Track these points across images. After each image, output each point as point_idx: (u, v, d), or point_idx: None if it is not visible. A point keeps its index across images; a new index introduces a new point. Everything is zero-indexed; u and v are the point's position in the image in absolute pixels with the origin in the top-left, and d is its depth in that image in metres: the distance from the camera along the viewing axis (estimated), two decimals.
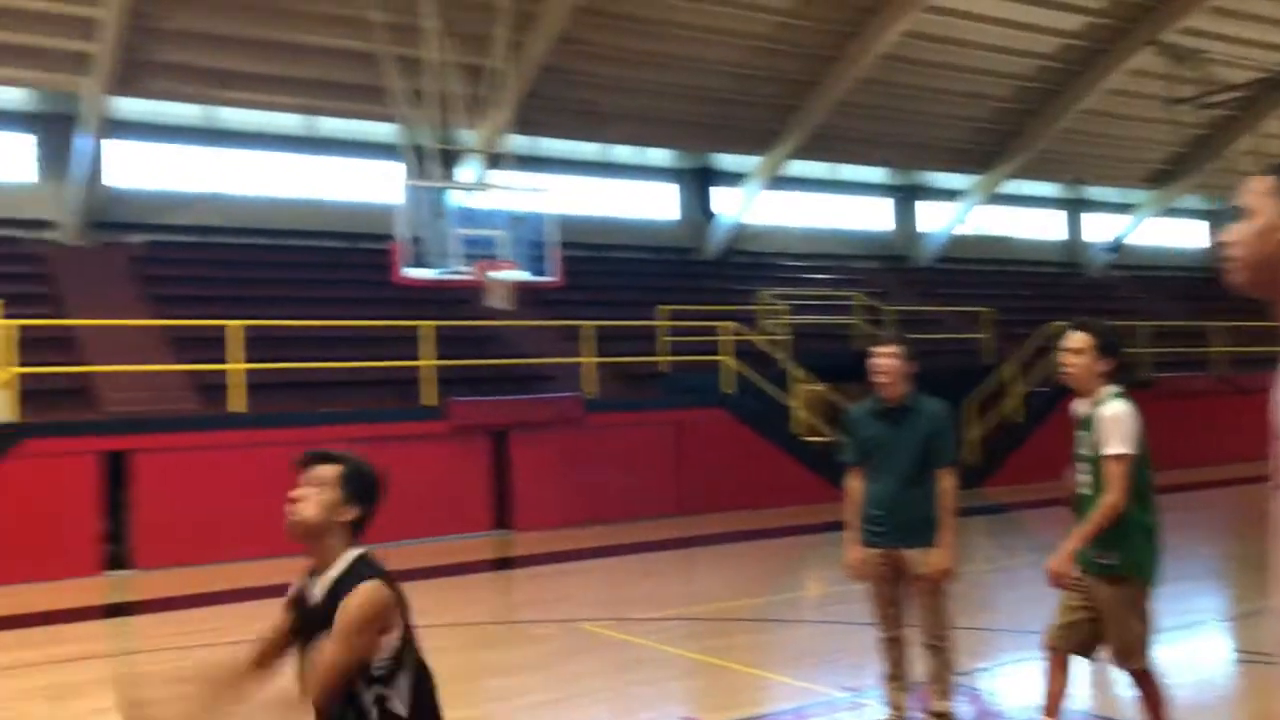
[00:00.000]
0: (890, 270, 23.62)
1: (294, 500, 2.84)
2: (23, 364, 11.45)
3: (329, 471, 2.87)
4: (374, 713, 2.74)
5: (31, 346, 11.94)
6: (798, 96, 20.02)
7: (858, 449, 5.35)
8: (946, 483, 5.14)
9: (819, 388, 16.12)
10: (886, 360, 5.28)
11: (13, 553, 10.62)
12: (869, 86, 20.13)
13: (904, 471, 5.17)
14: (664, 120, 19.51)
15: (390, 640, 2.76)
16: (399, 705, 2.77)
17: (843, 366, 17.35)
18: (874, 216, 24.41)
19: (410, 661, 2.82)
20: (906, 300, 21.22)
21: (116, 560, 11.40)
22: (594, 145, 19.94)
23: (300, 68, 16.24)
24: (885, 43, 19.11)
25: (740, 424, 15.15)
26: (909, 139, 22.04)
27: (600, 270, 19.35)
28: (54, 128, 16.10)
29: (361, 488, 2.88)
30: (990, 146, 22.94)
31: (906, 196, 24.65)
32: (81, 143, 15.56)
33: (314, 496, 2.84)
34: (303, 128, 17.67)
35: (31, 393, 11.73)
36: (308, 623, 2.83)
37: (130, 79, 15.15)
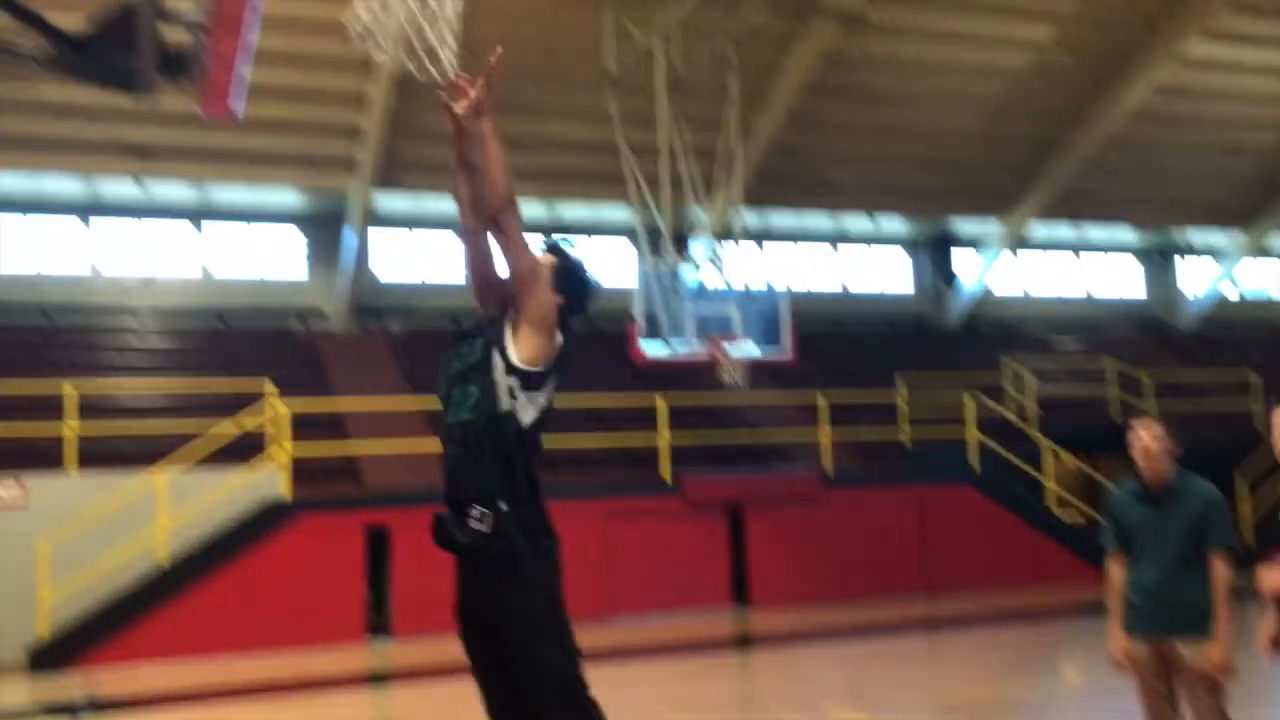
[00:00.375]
0: (1146, 335, 22.30)
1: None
2: (296, 445, 12.36)
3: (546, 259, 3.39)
4: (504, 400, 3.18)
5: (304, 428, 12.88)
6: (1039, 158, 19.39)
7: (1119, 534, 5.03)
8: (1220, 569, 4.75)
9: (1072, 461, 15.31)
10: (1147, 440, 4.96)
11: (286, 619, 11.38)
12: (1116, 145, 19.28)
13: (1171, 557, 4.81)
14: (898, 188, 19.30)
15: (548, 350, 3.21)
16: (523, 416, 3.21)
17: (1098, 438, 16.46)
18: (1125, 279, 23.18)
19: (547, 408, 3.27)
20: (1165, 367, 19.93)
21: (378, 627, 12.04)
22: (826, 216, 19.91)
23: (542, 158, 17.05)
24: (1133, 99, 18.30)
25: (989, 500, 14.54)
26: (1161, 197, 20.90)
27: (835, 343, 19.16)
28: (323, 225, 17.51)
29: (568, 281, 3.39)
30: (1252, 200, 21.43)
31: (1161, 257, 23.30)
32: (348, 237, 16.83)
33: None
34: (544, 214, 18.48)
35: (303, 471, 12.63)
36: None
37: (391, 176, 16.32)
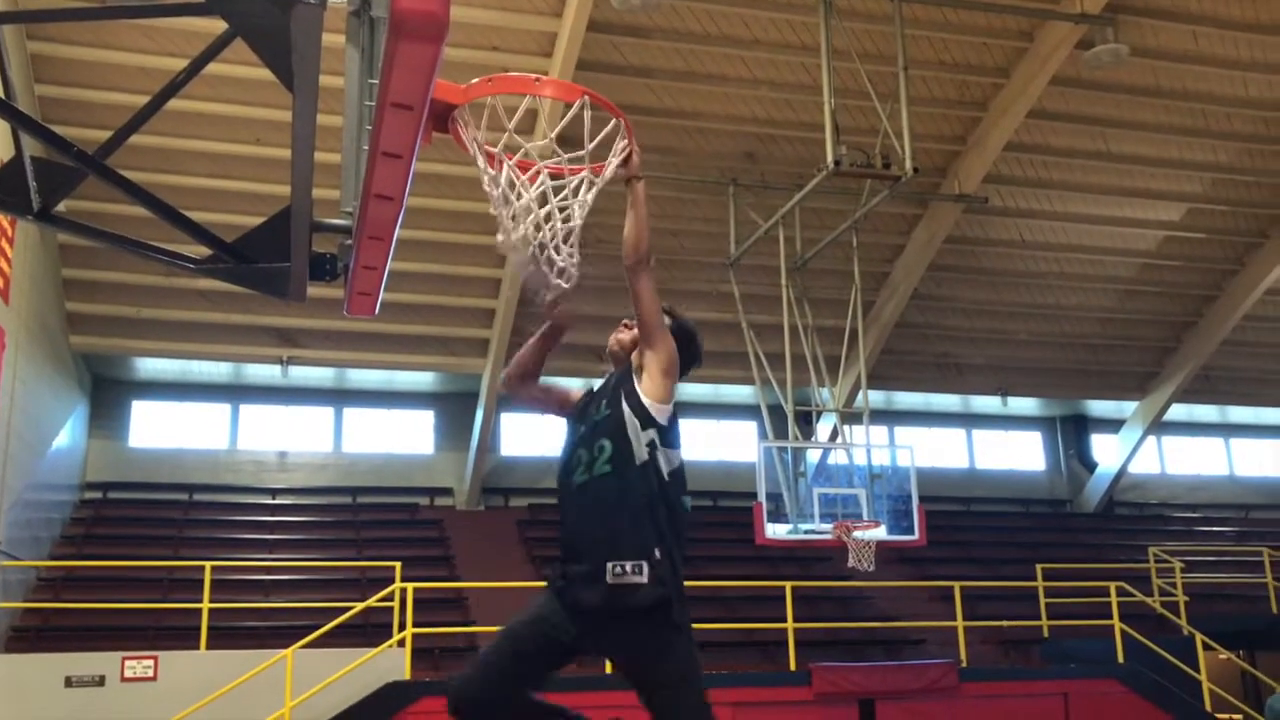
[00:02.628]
0: None
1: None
2: (418, 622, 12.36)
3: None
4: (641, 451, 3.34)
5: (427, 606, 12.91)
6: (1176, 338, 18.91)
7: None
8: None
9: (1230, 657, 14.30)
10: None
11: None
12: (1256, 324, 18.72)
13: None
14: (1028, 369, 18.97)
15: (672, 393, 3.45)
16: (663, 466, 3.36)
17: (1257, 632, 15.39)
18: (1274, 461, 22.07)
19: (682, 463, 3.46)
20: None
21: None
22: (953, 396, 19.62)
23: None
24: (1270, 278, 17.83)
25: (1139, 697, 13.59)
26: None
27: (966, 525, 18.59)
28: (452, 404, 17.96)
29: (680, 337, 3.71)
30: None
31: None
32: (478, 417, 17.21)
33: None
34: None
35: (424, 651, 12.59)
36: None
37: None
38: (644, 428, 3.43)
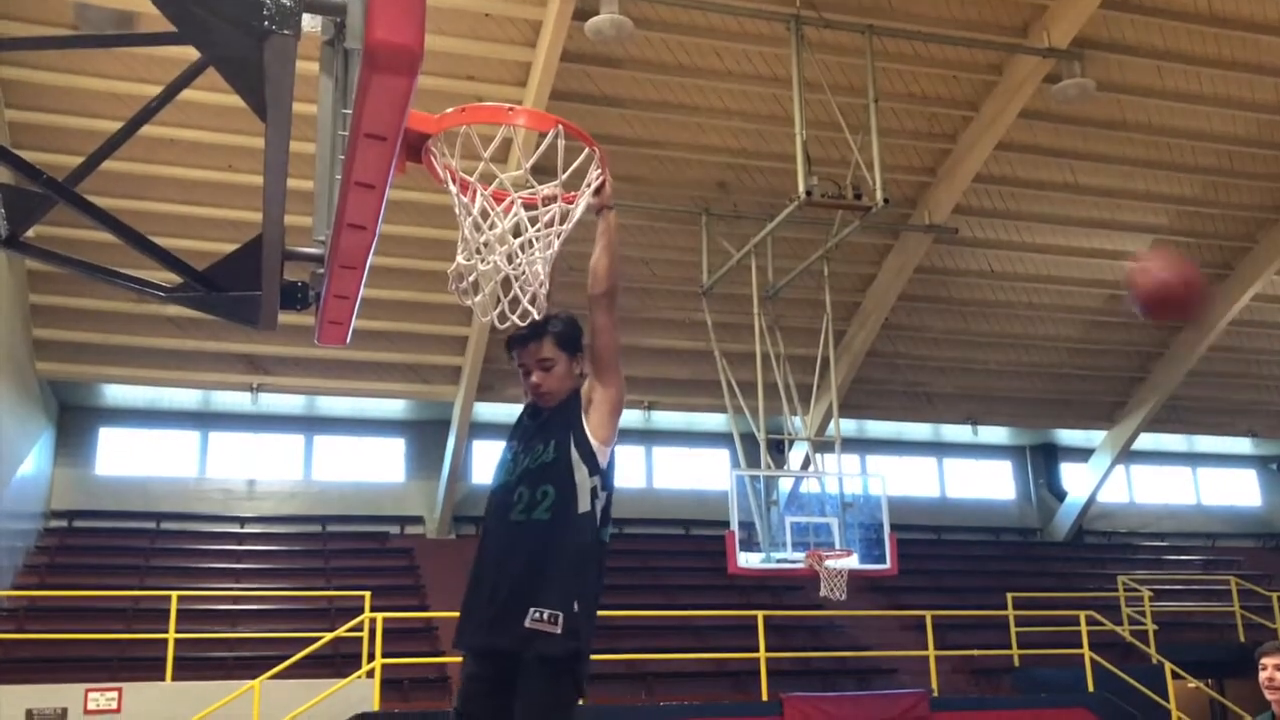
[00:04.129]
0: (1267, 550, 21.25)
1: None
2: (388, 653, 12.24)
3: None
4: (584, 500, 3.31)
5: (396, 636, 12.79)
6: (1143, 368, 19.12)
7: None
8: None
9: (1197, 685, 14.38)
10: (1276, 674, 4.64)
11: None
12: (1221, 354, 18.95)
13: None
14: (998, 398, 19.11)
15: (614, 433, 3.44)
16: (599, 516, 3.36)
17: (1225, 661, 15.49)
18: (1240, 490, 22.30)
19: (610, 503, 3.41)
20: None
21: None
22: (924, 425, 19.72)
23: (639, 368, 17.33)
24: (1234, 309, 18.07)
25: None
26: (1274, 406, 20.31)
27: (937, 554, 18.65)
28: (423, 432, 17.87)
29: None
30: None
31: (1278, 467, 22.43)
32: (449, 445, 17.13)
33: None
34: (640, 421, 18.64)
35: (393, 681, 12.46)
36: None
37: (492, 386, 16.71)
38: (590, 474, 3.39)
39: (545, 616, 3.21)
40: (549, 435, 3.47)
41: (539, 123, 3.23)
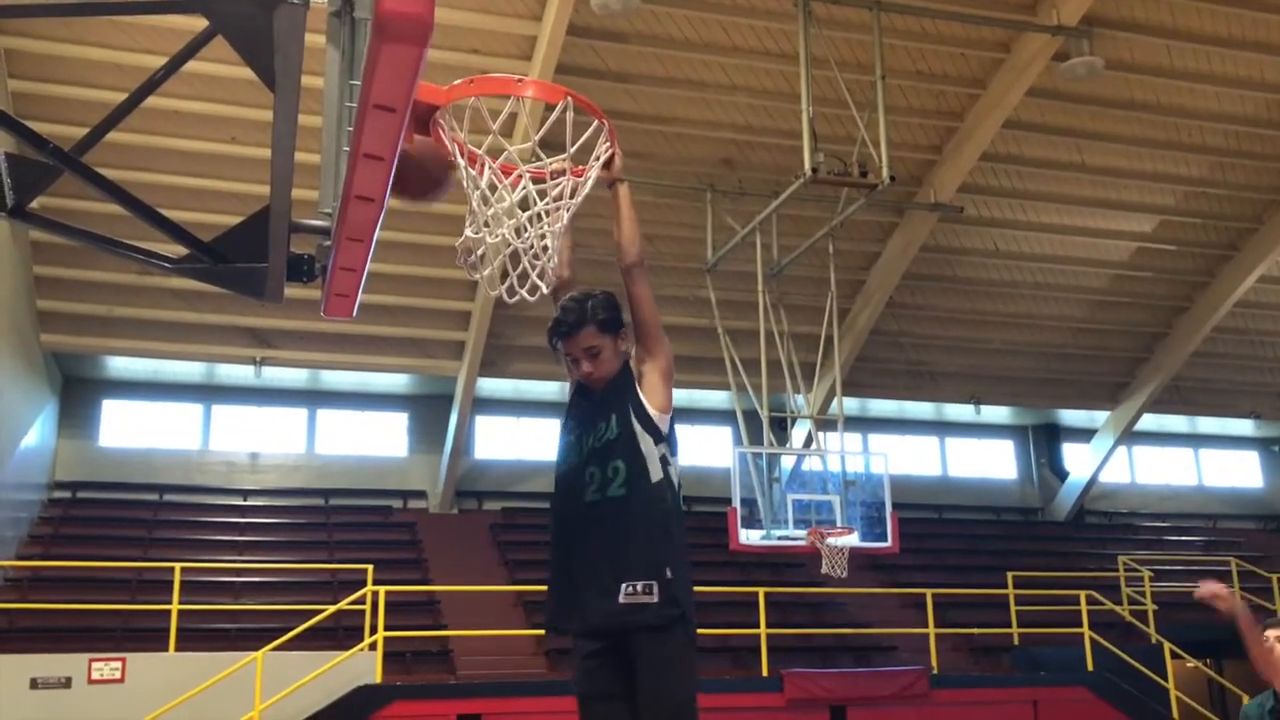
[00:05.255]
0: (1267, 531, 21.28)
1: None
2: (390, 626, 12.30)
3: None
4: (656, 469, 3.32)
5: (399, 609, 12.85)
6: (1147, 348, 19.09)
7: None
8: None
9: (1196, 665, 14.42)
10: (1276, 645, 4.66)
11: None
12: (1225, 336, 18.93)
13: None
14: (1001, 377, 19.09)
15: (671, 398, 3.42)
16: (675, 481, 3.35)
17: (1224, 641, 15.50)
18: (1242, 472, 22.31)
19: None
20: None
21: None
22: (927, 404, 19.72)
23: None
24: (1239, 290, 18.03)
25: (1107, 705, 13.70)
26: (1277, 387, 20.29)
27: (938, 533, 18.69)
28: (426, 406, 17.89)
29: None
30: None
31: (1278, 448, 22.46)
32: (452, 420, 17.15)
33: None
34: None
35: (396, 654, 12.53)
36: None
37: (495, 362, 16.71)
38: (656, 443, 3.41)
39: (640, 588, 3.25)
40: (609, 411, 3.46)
41: (548, 94, 3.21)
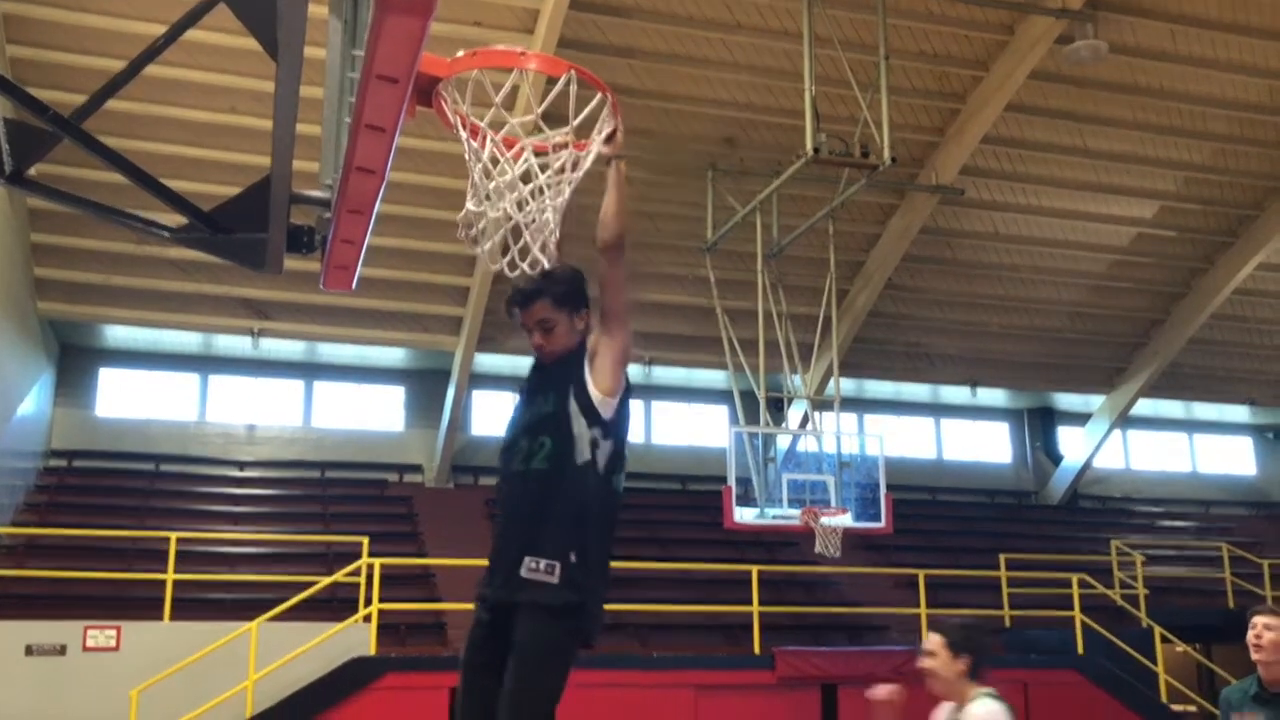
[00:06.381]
0: (1260, 517, 21.36)
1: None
2: (385, 598, 12.35)
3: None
4: (584, 450, 3.27)
5: (393, 582, 12.88)
6: (1144, 334, 19.10)
7: None
8: None
9: (1186, 650, 14.51)
10: (1267, 634, 4.67)
11: None
12: (1223, 322, 18.94)
13: None
14: (998, 361, 19.11)
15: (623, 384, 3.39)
16: (601, 464, 3.29)
17: (1213, 627, 15.61)
18: (1236, 458, 22.38)
19: (622, 452, 3.38)
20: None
21: None
22: (923, 386, 19.74)
23: (640, 322, 17.31)
24: (1238, 277, 18.03)
25: (1097, 688, 13.79)
26: (1273, 375, 20.32)
27: (932, 514, 18.74)
28: (423, 381, 17.89)
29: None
30: None
31: (1275, 436, 22.50)
32: (449, 395, 17.16)
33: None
34: (640, 376, 18.64)
35: (390, 627, 12.58)
36: None
37: (493, 337, 16.70)
38: (589, 425, 3.35)
39: (541, 566, 3.23)
40: (549, 388, 3.45)
41: (551, 67, 3.19)
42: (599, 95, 3.22)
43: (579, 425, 3.35)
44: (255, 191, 3.13)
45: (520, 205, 3.17)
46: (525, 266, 3.22)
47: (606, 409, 3.39)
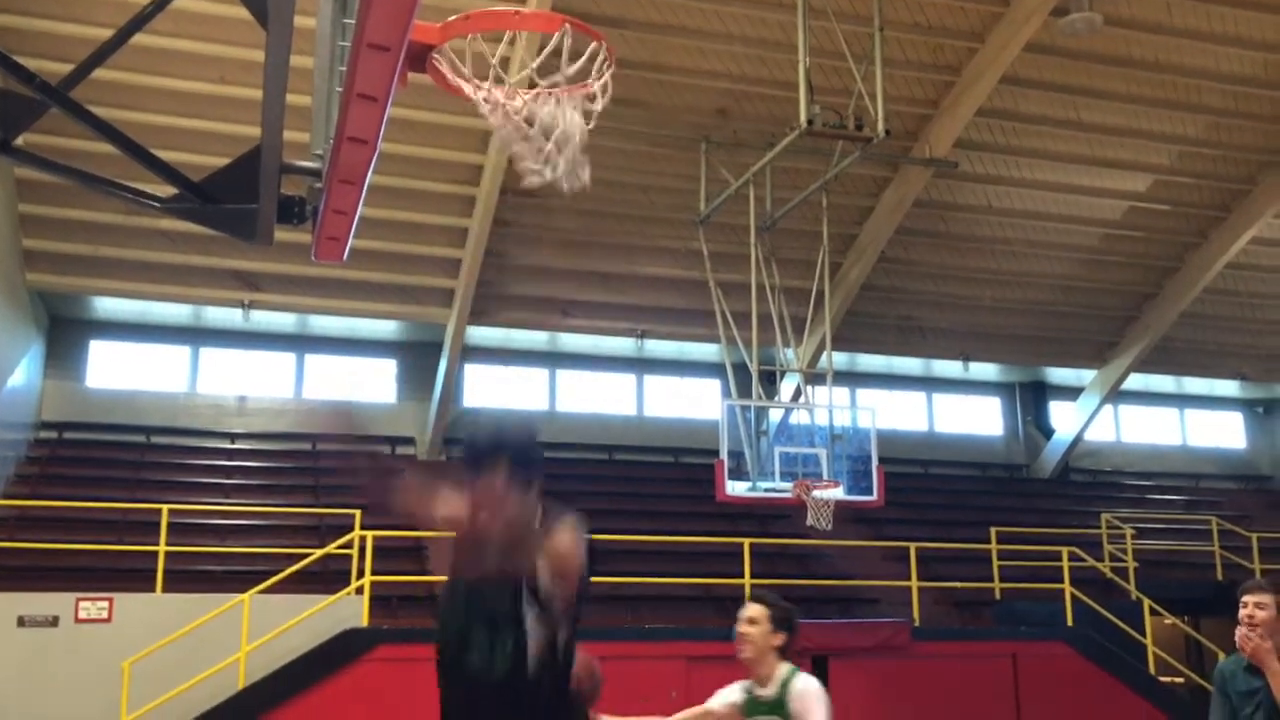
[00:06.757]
0: (1249, 491, 21.47)
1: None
2: (377, 570, 12.36)
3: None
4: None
5: (385, 555, 12.88)
6: (1136, 308, 19.12)
7: (1229, 710, 4.74)
8: None
9: (1175, 622, 14.61)
10: (1256, 611, 4.68)
11: None
12: (1215, 297, 18.96)
13: None
14: (990, 334, 19.12)
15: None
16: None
17: (1202, 599, 15.73)
18: (1226, 432, 22.46)
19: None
20: (1271, 525, 19.10)
21: None
22: (915, 360, 19.76)
23: (633, 295, 17.30)
24: (1230, 252, 18.04)
25: (1085, 660, 13.88)
26: (1264, 349, 20.37)
27: (923, 488, 18.79)
28: (415, 354, 17.85)
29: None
30: None
31: (1264, 410, 22.59)
32: (441, 367, 17.12)
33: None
34: (632, 349, 18.61)
35: (382, 599, 12.60)
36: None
37: (484, 310, 16.66)
38: None
39: None
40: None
41: (546, 24, 3.13)
42: (593, 45, 3.15)
43: None
44: (246, 162, 3.09)
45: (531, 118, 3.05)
46: (564, 182, 3.09)
47: None
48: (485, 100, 3.05)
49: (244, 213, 3.12)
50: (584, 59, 3.24)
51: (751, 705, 4.40)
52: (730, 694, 4.51)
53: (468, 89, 3.04)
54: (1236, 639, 4.48)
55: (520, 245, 16.30)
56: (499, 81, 3.10)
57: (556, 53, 3.15)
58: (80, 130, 3.15)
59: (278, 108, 2.68)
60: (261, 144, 2.79)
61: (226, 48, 13.20)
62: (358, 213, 3.06)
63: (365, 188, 2.91)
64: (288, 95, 2.77)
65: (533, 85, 3.22)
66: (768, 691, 4.34)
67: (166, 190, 3.23)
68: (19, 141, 3.39)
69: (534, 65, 3.12)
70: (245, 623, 10.87)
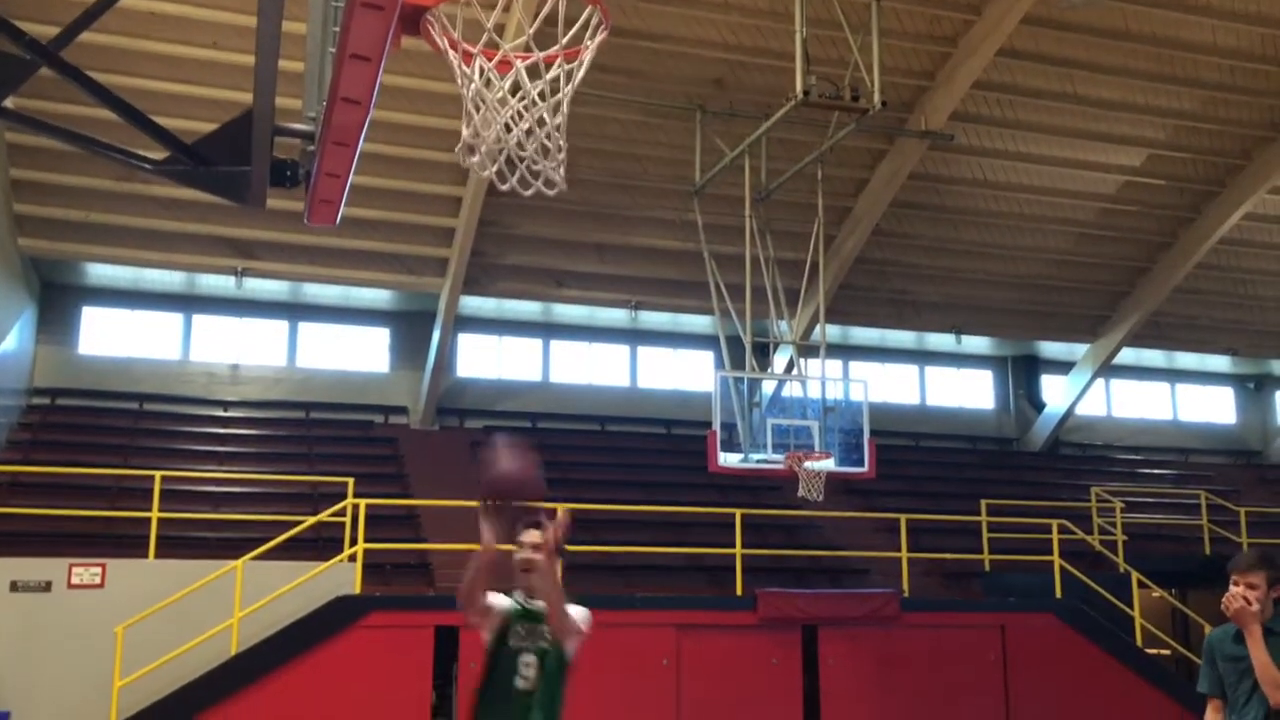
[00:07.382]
0: (1238, 466, 21.59)
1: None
2: (370, 538, 12.40)
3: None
4: None
5: (379, 523, 12.94)
6: (1129, 283, 19.14)
7: (1217, 678, 4.79)
8: None
9: (1162, 595, 14.71)
10: (1248, 592, 4.70)
11: (352, 716, 11.28)
12: (1208, 272, 18.99)
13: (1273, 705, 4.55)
14: (983, 308, 19.14)
15: None
16: None
17: (1190, 572, 15.84)
18: (1216, 407, 22.56)
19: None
20: (1260, 500, 19.24)
21: None
22: (908, 333, 19.78)
23: (628, 266, 17.27)
24: (1225, 227, 18.05)
25: (1073, 631, 13.99)
26: (1256, 325, 20.43)
27: (914, 460, 18.87)
28: (409, 323, 17.84)
29: None
30: None
31: (1255, 386, 22.67)
32: (434, 337, 17.11)
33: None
34: (626, 321, 18.62)
35: (375, 567, 12.64)
36: None
37: (478, 280, 16.63)
38: None
39: None
40: None
41: None
42: (588, 10, 3.15)
43: None
44: (238, 124, 3.08)
45: (508, 127, 3.11)
46: (540, 185, 3.14)
47: None
48: (462, 70, 3.05)
49: (236, 175, 3.11)
50: (578, 25, 3.22)
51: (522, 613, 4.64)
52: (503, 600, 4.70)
53: (453, 56, 3.04)
54: (1223, 601, 4.52)
55: (515, 215, 16.26)
56: (492, 45, 3.10)
57: (551, 20, 3.14)
58: (70, 94, 3.14)
59: (270, 69, 2.67)
60: (254, 104, 2.78)
61: (219, 12, 13.11)
62: (350, 176, 3.05)
63: (358, 150, 2.90)
64: (281, 61, 2.76)
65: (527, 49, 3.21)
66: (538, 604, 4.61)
67: (159, 153, 3.22)
68: (9, 103, 3.37)
69: (530, 31, 3.11)
70: (238, 589, 10.90)
